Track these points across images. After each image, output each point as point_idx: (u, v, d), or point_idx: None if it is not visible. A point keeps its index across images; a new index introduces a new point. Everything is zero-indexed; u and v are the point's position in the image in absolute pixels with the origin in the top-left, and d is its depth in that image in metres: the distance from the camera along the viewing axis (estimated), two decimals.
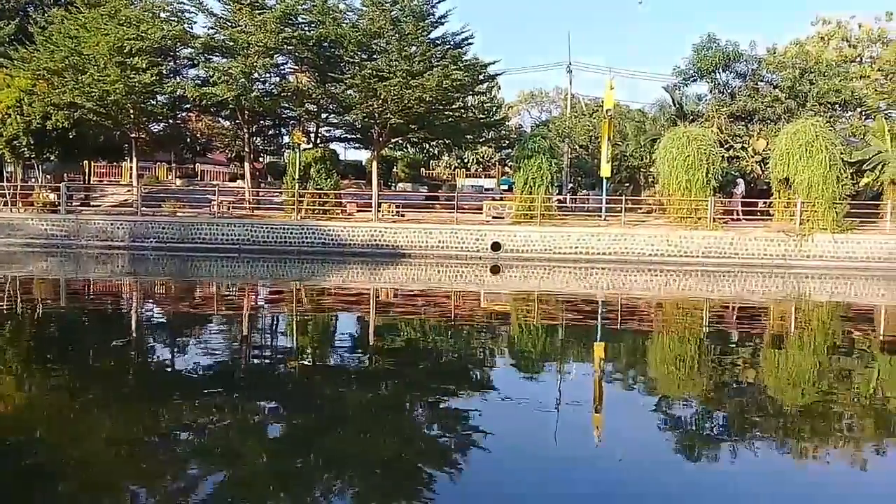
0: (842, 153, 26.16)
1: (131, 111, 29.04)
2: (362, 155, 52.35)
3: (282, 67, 31.11)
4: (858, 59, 39.52)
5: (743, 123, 32.72)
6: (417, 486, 6.29)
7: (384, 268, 23.77)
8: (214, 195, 29.48)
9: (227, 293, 18.90)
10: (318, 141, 36.61)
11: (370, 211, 27.60)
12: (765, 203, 28.40)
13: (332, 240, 25.92)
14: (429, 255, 25.38)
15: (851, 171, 27.98)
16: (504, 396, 9.07)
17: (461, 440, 7.49)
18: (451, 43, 29.37)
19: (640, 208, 31.04)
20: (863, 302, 19.52)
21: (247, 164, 33.05)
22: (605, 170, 28.64)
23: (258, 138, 39.25)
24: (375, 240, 25.82)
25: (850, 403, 9.24)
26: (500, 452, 7.13)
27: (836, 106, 32.25)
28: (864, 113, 34.78)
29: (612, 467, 6.85)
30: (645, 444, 7.47)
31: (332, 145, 38.30)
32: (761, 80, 33.05)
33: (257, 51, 27.20)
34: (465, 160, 57.77)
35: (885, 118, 32.56)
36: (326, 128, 36.75)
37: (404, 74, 26.20)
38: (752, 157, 31.34)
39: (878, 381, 10.45)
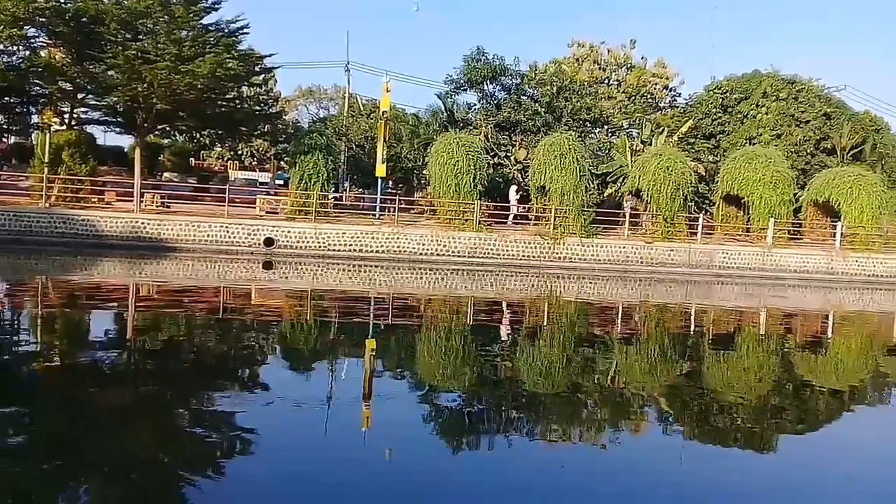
0: (590, 166, 29.03)
1: None
2: (125, 141, 48.74)
3: (33, 40, 27.99)
4: (607, 80, 43.97)
5: (507, 133, 35.05)
6: (176, 490, 6.11)
7: (146, 262, 22.34)
8: None
9: None
10: (74, 123, 33.34)
11: (132, 201, 25.79)
12: (524, 208, 30.70)
13: (87, 230, 23.88)
14: (197, 249, 24.25)
15: (598, 182, 31.24)
16: (272, 394, 9.03)
17: (225, 441, 7.37)
18: (225, 31, 28.25)
19: (413, 209, 32.10)
20: (605, 299, 21.85)
21: None
22: (381, 170, 29.23)
23: (1, 116, 35.03)
24: (137, 231, 24.18)
25: (593, 390, 10.40)
26: (266, 451, 7.10)
27: (587, 122, 35.70)
28: (609, 130, 38.80)
29: (379, 458, 7.13)
30: (413, 434, 7.86)
31: (90, 129, 35.13)
32: (524, 95, 35.60)
33: (3, 20, 24.30)
34: (240, 152, 55.99)
35: (627, 136, 36.71)
36: (84, 109, 33.67)
37: (173, 59, 24.75)
38: (515, 165, 33.71)
39: (616, 370, 11.90)
